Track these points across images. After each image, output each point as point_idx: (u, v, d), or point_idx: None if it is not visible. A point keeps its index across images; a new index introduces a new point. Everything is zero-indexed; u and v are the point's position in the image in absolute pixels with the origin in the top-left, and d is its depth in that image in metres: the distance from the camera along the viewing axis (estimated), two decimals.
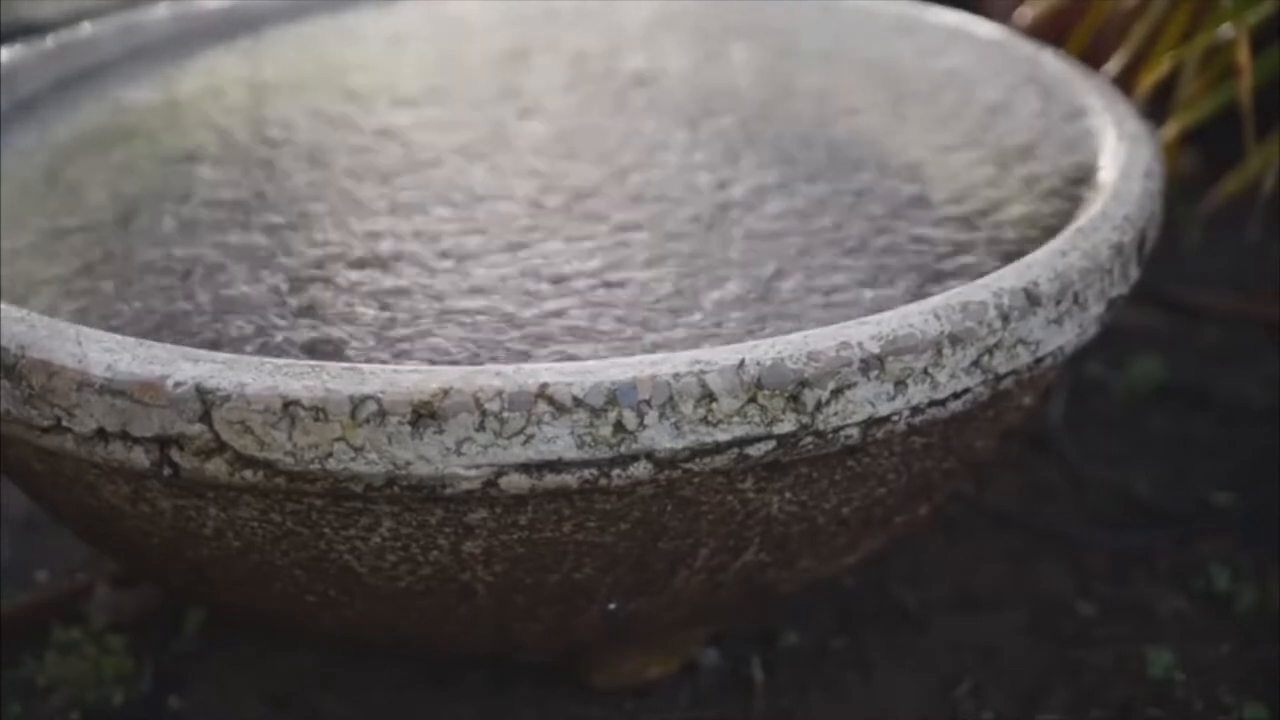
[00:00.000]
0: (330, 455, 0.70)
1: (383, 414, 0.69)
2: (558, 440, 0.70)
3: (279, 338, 0.80)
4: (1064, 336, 0.79)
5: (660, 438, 0.71)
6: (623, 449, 0.71)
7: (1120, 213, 0.84)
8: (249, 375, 0.70)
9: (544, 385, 0.70)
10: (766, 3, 1.17)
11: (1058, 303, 0.78)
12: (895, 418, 0.74)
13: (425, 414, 0.69)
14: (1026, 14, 1.26)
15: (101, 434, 0.72)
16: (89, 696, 0.92)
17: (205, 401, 0.70)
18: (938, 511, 0.98)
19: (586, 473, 0.71)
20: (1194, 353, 1.22)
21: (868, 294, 0.83)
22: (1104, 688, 0.93)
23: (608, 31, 1.16)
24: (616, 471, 0.71)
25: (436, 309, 0.82)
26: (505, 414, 0.70)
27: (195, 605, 0.96)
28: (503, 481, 0.71)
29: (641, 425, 0.71)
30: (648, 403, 0.70)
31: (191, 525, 0.76)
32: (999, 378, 0.77)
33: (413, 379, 0.70)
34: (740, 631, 0.95)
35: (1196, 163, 1.31)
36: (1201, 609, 0.98)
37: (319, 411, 0.70)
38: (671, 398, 0.70)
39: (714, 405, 0.71)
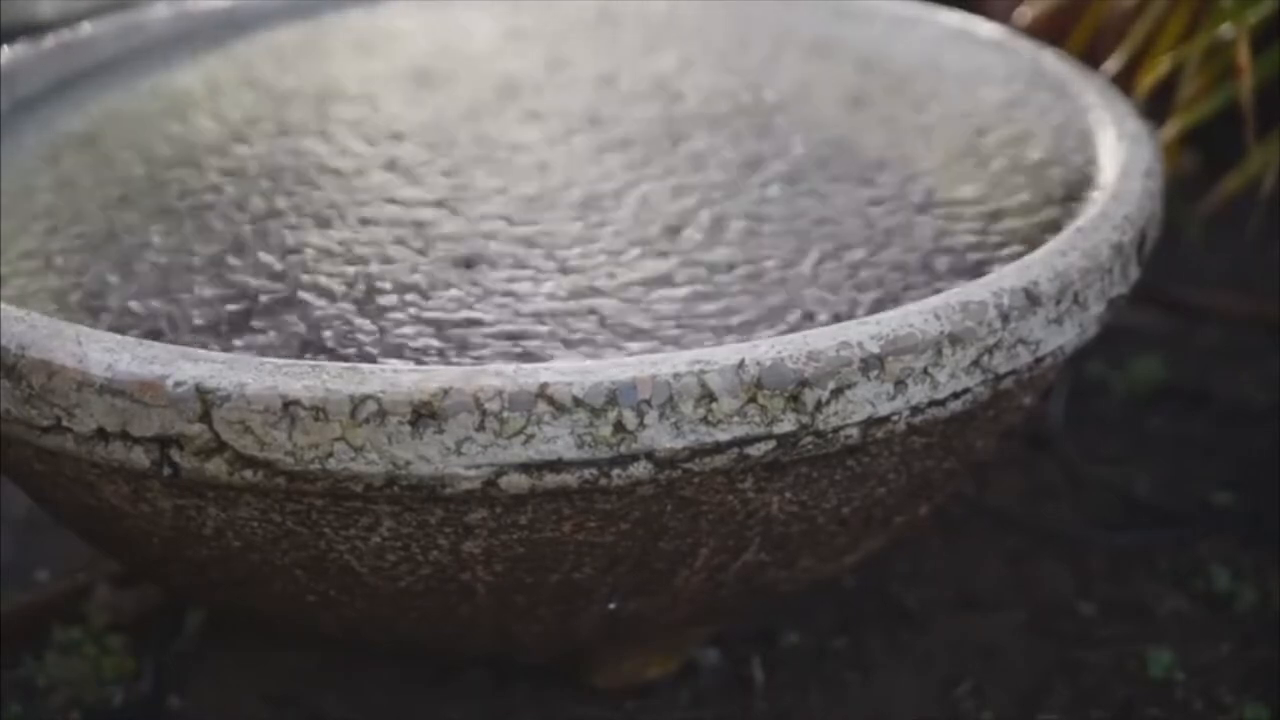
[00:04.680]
0: (330, 455, 0.70)
1: (383, 414, 0.70)
2: (558, 440, 0.70)
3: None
4: (1064, 336, 0.79)
5: (660, 438, 0.71)
6: (623, 449, 0.71)
7: (1120, 212, 0.84)
8: (249, 375, 0.71)
9: (544, 385, 0.70)
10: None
11: (1058, 302, 0.78)
12: (895, 418, 0.74)
13: (425, 414, 0.70)
14: (1026, 14, 1.26)
15: (101, 434, 0.72)
16: (89, 696, 0.92)
17: (205, 401, 0.70)
18: (938, 511, 0.98)
19: (586, 473, 0.71)
20: (1194, 353, 1.22)
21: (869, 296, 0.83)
22: (1104, 688, 0.93)
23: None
24: (616, 471, 0.71)
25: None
26: (505, 414, 0.70)
27: (195, 605, 0.96)
28: (503, 481, 0.71)
29: (641, 425, 0.71)
30: (648, 402, 0.70)
31: (191, 525, 0.76)
32: (999, 378, 0.77)
33: (412, 379, 0.70)
34: (740, 631, 0.95)
35: (1196, 163, 1.31)
36: (1201, 609, 0.98)
37: (319, 411, 0.70)
38: (671, 398, 0.70)
39: (714, 405, 0.71)
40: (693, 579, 0.80)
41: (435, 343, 0.80)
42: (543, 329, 0.81)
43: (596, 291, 0.84)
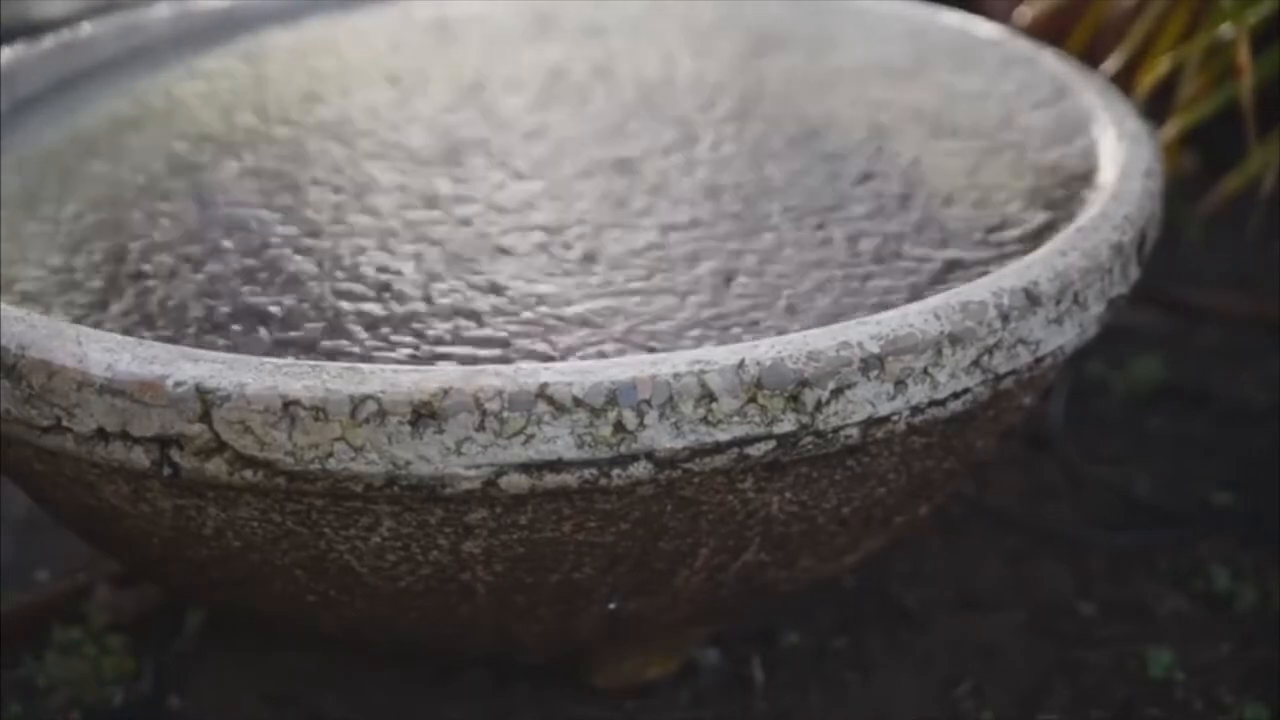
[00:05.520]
0: (330, 455, 0.70)
1: (383, 414, 0.70)
2: (558, 440, 0.70)
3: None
4: (1064, 336, 0.79)
5: (660, 438, 0.71)
6: (623, 449, 0.71)
7: (1120, 212, 0.84)
8: (249, 375, 0.71)
9: (544, 385, 0.70)
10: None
11: (1058, 302, 0.78)
12: (895, 418, 0.74)
13: (425, 414, 0.70)
14: (1026, 14, 1.26)
15: (101, 434, 0.72)
16: (89, 696, 0.92)
17: (205, 401, 0.70)
18: (938, 511, 0.98)
19: (586, 473, 0.71)
20: (1194, 353, 1.22)
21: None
22: (1104, 688, 0.93)
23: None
24: (616, 471, 0.71)
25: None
26: (505, 414, 0.70)
27: (195, 605, 0.96)
28: (503, 481, 0.71)
29: (641, 425, 0.71)
30: (648, 402, 0.70)
31: (191, 525, 0.76)
32: (999, 378, 0.77)
33: (412, 379, 0.70)
34: (740, 631, 0.95)
35: (1196, 163, 1.31)
36: (1201, 609, 0.98)
37: (319, 411, 0.70)
38: (671, 397, 0.70)
39: (714, 405, 0.71)
40: (693, 579, 0.80)
41: None
42: None
43: None
